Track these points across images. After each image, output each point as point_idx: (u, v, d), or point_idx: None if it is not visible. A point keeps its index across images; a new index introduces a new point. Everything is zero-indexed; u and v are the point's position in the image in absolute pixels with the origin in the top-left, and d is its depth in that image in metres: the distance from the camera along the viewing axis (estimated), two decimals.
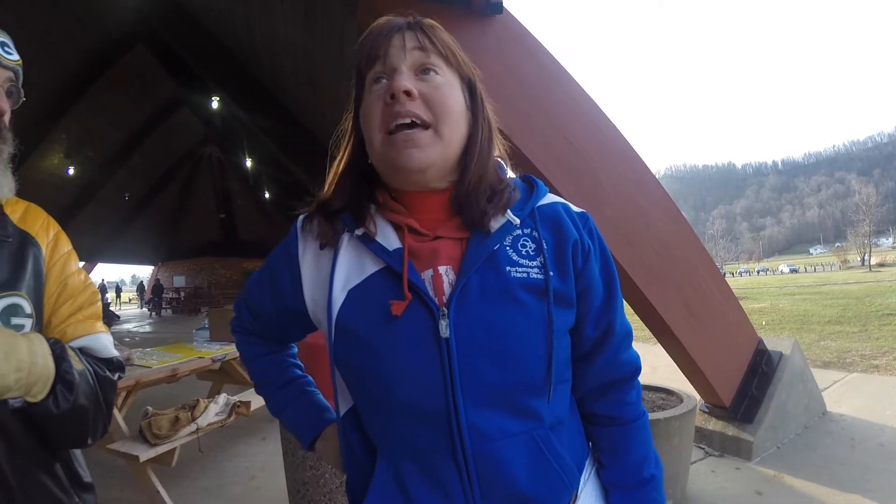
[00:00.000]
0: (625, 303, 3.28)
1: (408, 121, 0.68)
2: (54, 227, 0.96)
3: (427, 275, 0.70)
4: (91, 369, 0.86)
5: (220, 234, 22.19)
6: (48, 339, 0.79)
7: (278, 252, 0.84)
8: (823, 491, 2.80)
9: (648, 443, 0.82)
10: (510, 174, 0.84)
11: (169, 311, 22.48)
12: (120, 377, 0.96)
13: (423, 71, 0.71)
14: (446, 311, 0.66)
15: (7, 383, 0.69)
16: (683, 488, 2.80)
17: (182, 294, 22.99)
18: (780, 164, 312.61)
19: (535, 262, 0.72)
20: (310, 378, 0.98)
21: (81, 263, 1.00)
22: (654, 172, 3.31)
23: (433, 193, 0.75)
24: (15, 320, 0.81)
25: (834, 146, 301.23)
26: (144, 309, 25.49)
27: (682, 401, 2.85)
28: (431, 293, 0.68)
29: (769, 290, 19.03)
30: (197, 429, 2.94)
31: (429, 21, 0.74)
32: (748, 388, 3.48)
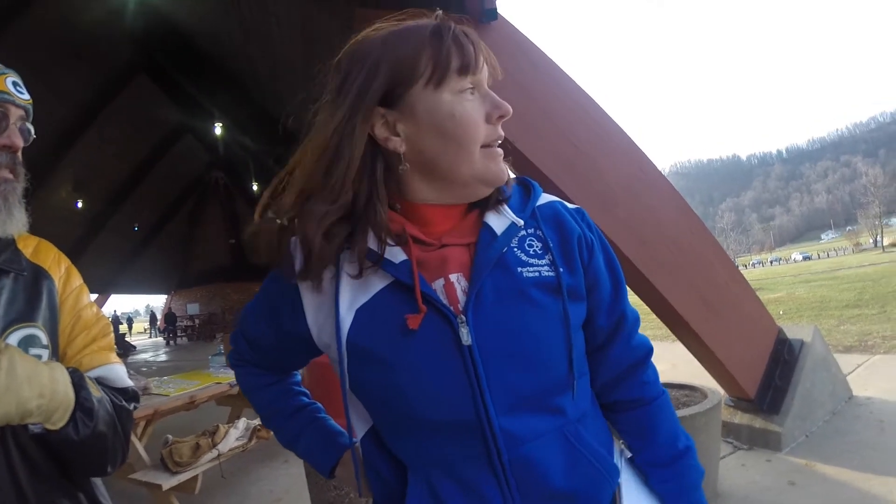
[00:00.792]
0: (642, 301, 3.24)
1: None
2: (65, 261, 0.97)
3: (438, 284, 0.69)
4: (108, 398, 0.87)
5: (231, 259, 22.30)
6: (67, 368, 0.80)
7: (274, 276, 0.80)
8: (856, 476, 2.76)
9: (674, 417, 0.82)
10: None
11: (184, 338, 22.57)
12: (135, 407, 0.97)
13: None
14: (464, 318, 0.65)
15: (29, 408, 0.70)
16: (714, 484, 2.75)
17: (196, 321, 23.07)
18: (784, 152, 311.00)
19: (543, 261, 0.72)
20: (318, 405, 0.95)
21: (94, 296, 1.01)
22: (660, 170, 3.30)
23: (460, 205, 0.74)
24: (32, 351, 0.82)
25: (837, 130, 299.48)
26: (159, 338, 25.57)
27: (706, 396, 2.81)
28: (446, 302, 0.67)
29: (784, 279, 18.86)
30: (218, 455, 2.94)
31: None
32: (772, 378, 3.43)
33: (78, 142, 13.50)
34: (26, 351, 0.80)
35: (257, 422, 3.31)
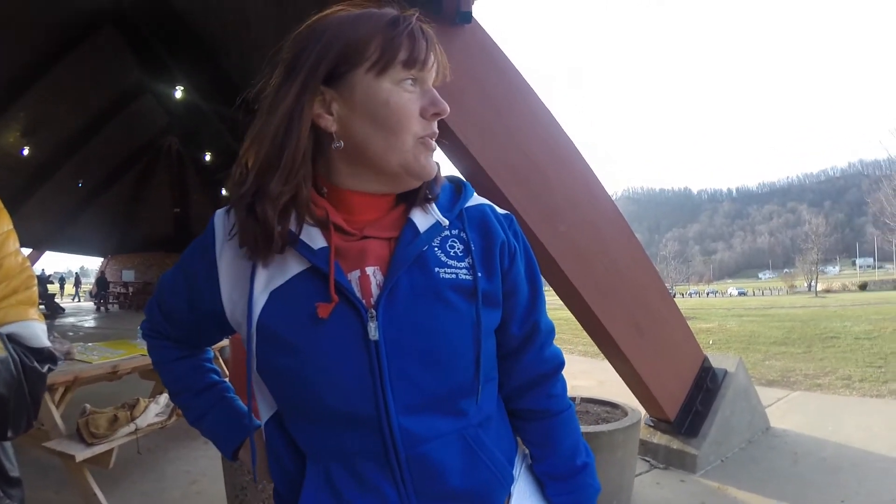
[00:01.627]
0: (574, 318, 3.30)
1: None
2: None
3: (354, 276, 0.68)
4: (17, 358, 0.82)
5: (174, 229, 21.42)
6: None
7: (194, 249, 0.79)
8: (766, 502, 2.90)
9: (577, 433, 0.84)
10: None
11: (115, 306, 21.52)
12: (51, 369, 0.92)
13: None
14: (374, 312, 0.65)
15: None
16: (628, 499, 2.85)
17: (130, 289, 21.92)
18: (734, 191, 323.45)
19: (463, 263, 0.72)
20: (228, 384, 0.93)
21: (28, 251, 0.95)
22: (611, 193, 3.39)
23: (385, 196, 0.73)
24: None
25: (787, 177, 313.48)
26: (88, 303, 24.25)
27: (626, 414, 2.91)
28: (359, 294, 0.67)
29: (718, 311, 19.62)
30: (136, 429, 2.83)
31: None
32: (693, 403, 3.58)
33: (33, 87, 12.73)
34: None
35: None
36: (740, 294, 67.85)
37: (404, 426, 0.65)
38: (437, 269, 0.70)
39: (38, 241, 20.29)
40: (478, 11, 2.74)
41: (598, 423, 2.80)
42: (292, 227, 0.68)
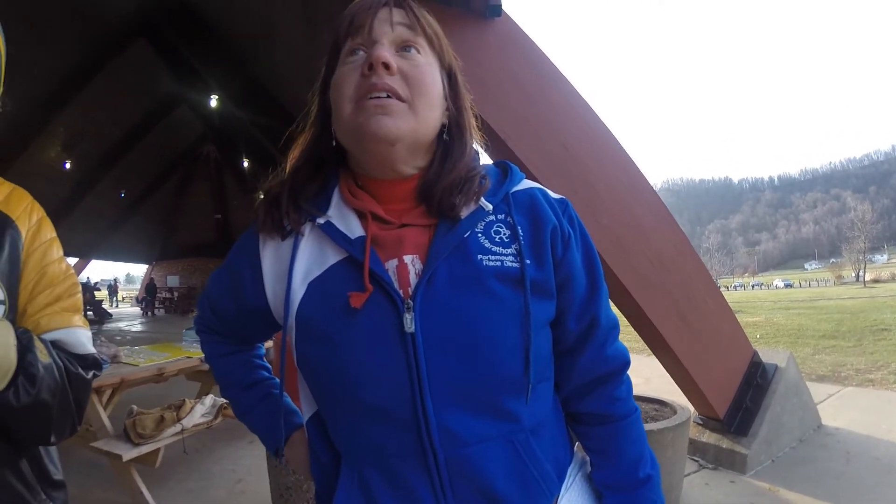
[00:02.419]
0: (619, 313, 3.22)
1: (384, 94, 0.63)
2: (38, 213, 0.90)
3: (391, 265, 0.65)
4: (61, 364, 0.81)
5: (216, 234, 22.10)
6: (17, 329, 0.74)
7: (239, 246, 0.79)
8: None
9: (643, 441, 0.76)
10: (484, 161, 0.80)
11: (161, 310, 22.33)
12: (95, 375, 0.90)
13: (404, 48, 0.67)
14: (411, 303, 0.61)
15: None
16: (677, 500, 2.77)
17: (175, 294, 22.83)
18: (776, 179, 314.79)
19: (509, 250, 0.66)
20: (276, 380, 0.91)
21: (74, 260, 0.95)
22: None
23: (400, 181, 0.70)
24: None
25: (830, 163, 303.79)
26: (135, 308, 25.27)
27: (675, 412, 2.82)
28: (396, 284, 0.63)
29: (764, 304, 19.08)
30: (182, 429, 2.89)
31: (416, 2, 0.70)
32: (743, 400, 3.45)
33: (71, 102, 13.22)
34: None
35: (224, 400, 3.27)
36: (787, 286, 65.65)
37: (444, 425, 0.61)
38: (479, 257, 0.65)
39: (84, 250, 21.14)
40: (508, 4, 2.69)
41: (647, 422, 2.72)
42: (332, 218, 0.68)
